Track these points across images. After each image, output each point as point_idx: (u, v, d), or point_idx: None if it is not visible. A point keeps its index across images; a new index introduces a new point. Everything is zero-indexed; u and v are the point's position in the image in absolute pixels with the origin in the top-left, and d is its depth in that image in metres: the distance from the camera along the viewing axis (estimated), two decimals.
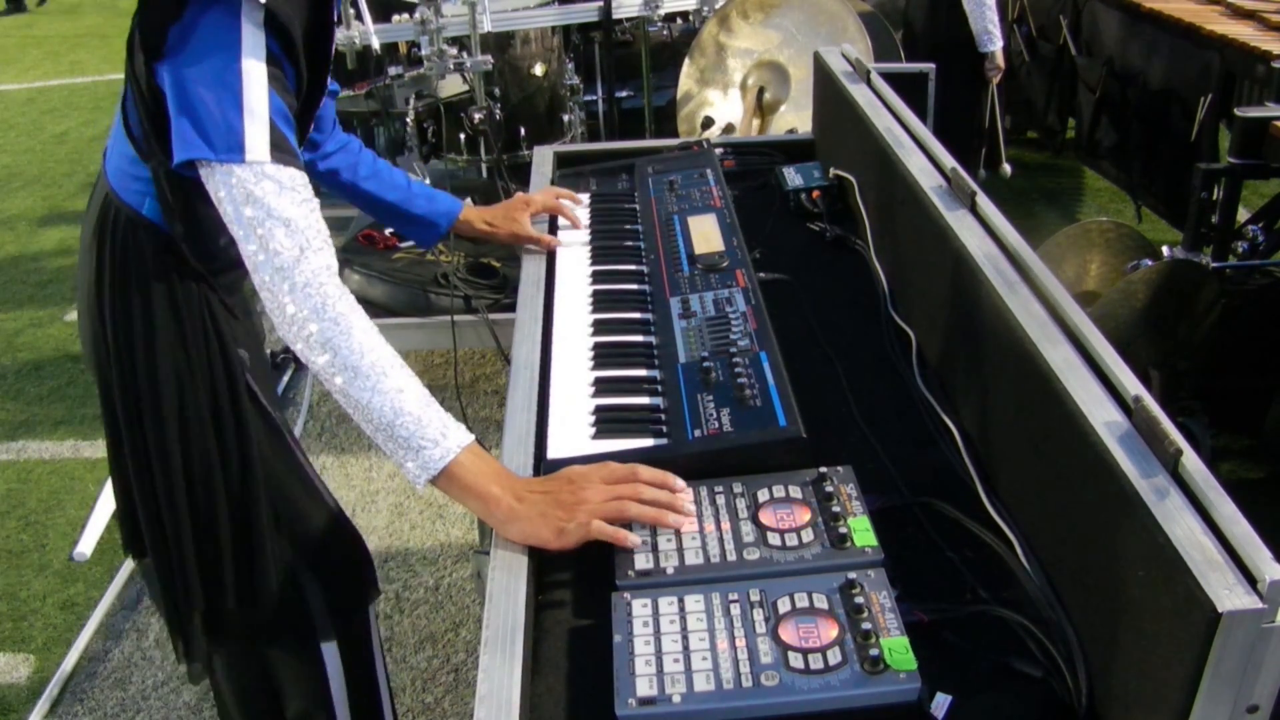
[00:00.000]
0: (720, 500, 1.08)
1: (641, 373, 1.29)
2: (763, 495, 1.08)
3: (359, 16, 3.36)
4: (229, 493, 1.39)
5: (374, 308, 2.93)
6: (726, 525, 1.05)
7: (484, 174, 3.63)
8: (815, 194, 1.81)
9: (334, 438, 3.16)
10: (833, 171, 1.83)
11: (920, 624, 0.95)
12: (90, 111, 6.37)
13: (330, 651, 1.54)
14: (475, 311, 2.92)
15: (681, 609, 0.95)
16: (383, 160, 1.69)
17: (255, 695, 1.59)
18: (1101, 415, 0.91)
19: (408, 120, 3.57)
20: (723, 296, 1.40)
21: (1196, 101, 3.47)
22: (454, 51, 3.44)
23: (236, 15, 1.13)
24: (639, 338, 1.37)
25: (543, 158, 2.01)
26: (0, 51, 7.90)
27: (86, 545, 2.69)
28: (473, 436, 1.11)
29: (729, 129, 3.56)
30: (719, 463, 1.12)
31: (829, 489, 1.06)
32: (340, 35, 3.31)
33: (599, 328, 1.41)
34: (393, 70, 3.67)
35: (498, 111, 3.54)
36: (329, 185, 1.65)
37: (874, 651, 0.88)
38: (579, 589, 1.04)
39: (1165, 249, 2.82)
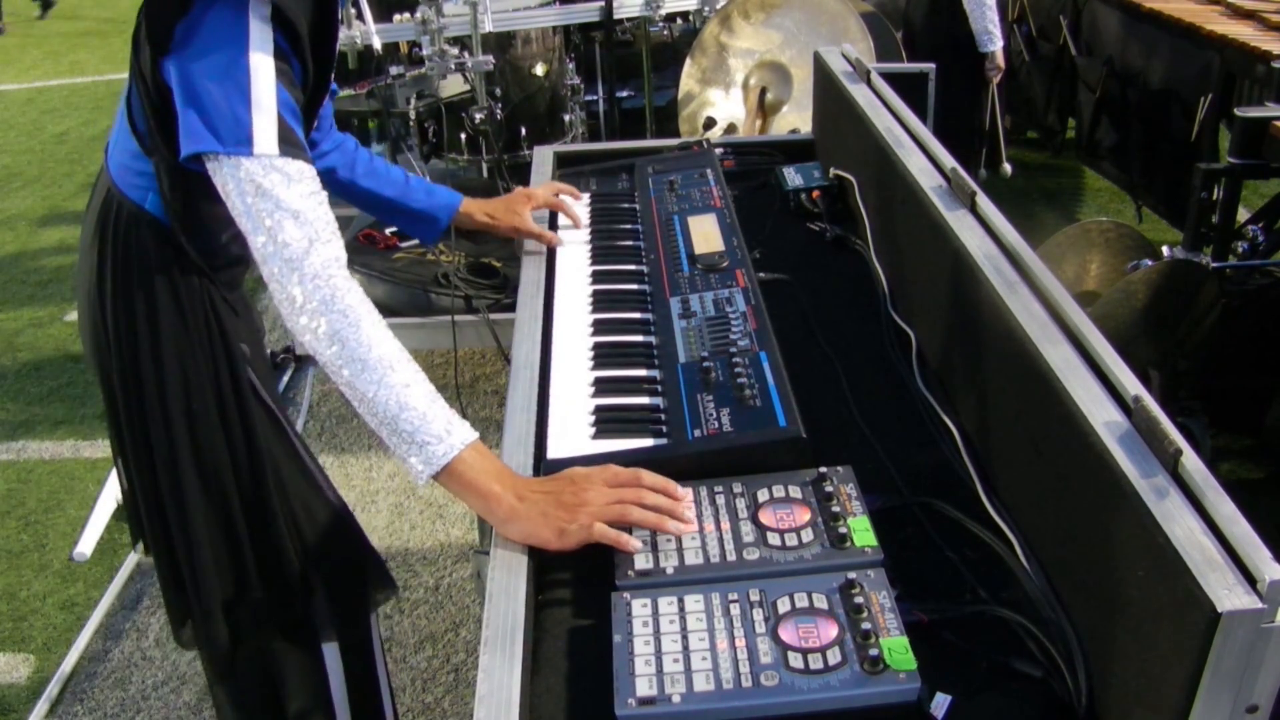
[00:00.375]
0: (720, 500, 1.08)
1: (641, 373, 1.29)
2: (762, 495, 1.08)
3: (360, 16, 3.37)
4: (240, 484, 1.39)
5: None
6: (726, 525, 1.05)
7: (484, 174, 3.64)
8: (815, 194, 1.81)
9: (334, 438, 3.15)
10: (833, 171, 1.83)
11: (920, 624, 0.95)
12: (90, 111, 6.37)
13: (331, 651, 1.54)
14: (475, 311, 2.92)
15: (681, 609, 0.95)
16: (379, 158, 1.69)
17: (255, 695, 1.59)
18: (1101, 415, 0.90)
19: (409, 120, 3.57)
20: (723, 296, 1.40)
21: (1196, 101, 3.47)
22: (455, 51, 3.45)
23: (244, 10, 1.13)
24: (639, 338, 1.37)
25: (543, 158, 2.01)
26: (0, 51, 7.89)
27: (86, 545, 2.69)
28: (476, 434, 1.11)
29: (731, 129, 3.56)
30: (719, 463, 1.12)
31: (829, 489, 1.06)
32: (341, 35, 3.29)
33: (599, 327, 1.41)
34: (394, 70, 3.67)
35: (499, 111, 3.55)
36: (326, 184, 1.64)
37: (874, 651, 0.88)
38: (579, 589, 1.04)
39: (1165, 249, 2.82)
